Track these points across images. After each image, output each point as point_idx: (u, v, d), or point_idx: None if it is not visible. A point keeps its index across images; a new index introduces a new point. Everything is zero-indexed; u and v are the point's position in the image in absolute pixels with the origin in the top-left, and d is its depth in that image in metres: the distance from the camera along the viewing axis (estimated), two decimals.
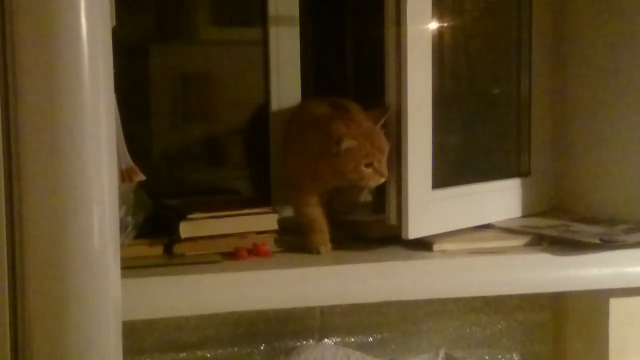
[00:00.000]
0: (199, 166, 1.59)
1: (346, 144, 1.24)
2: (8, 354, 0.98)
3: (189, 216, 1.25)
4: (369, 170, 1.25)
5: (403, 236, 1.29)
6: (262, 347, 1.51)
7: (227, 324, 1.48)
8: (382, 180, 1.28)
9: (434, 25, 1.33)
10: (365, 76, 1.62)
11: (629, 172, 1.44)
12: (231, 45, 1.58)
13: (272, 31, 1.53)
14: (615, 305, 1.42)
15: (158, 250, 1.26)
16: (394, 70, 1.28)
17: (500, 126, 1.59)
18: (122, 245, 1.07)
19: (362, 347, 1.52)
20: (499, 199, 1.48)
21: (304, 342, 1.52)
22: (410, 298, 1.36)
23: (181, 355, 1.47)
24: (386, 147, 1.27)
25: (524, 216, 1.52)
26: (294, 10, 1.53)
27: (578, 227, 1.41)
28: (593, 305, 1.47)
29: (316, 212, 1.32)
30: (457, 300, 1.58)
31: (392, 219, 1.30)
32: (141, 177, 1.17)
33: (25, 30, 0.93)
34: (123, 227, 1.17)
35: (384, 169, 1.26)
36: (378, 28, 1.30)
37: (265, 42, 1.54)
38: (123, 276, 1.01)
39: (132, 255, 1.21)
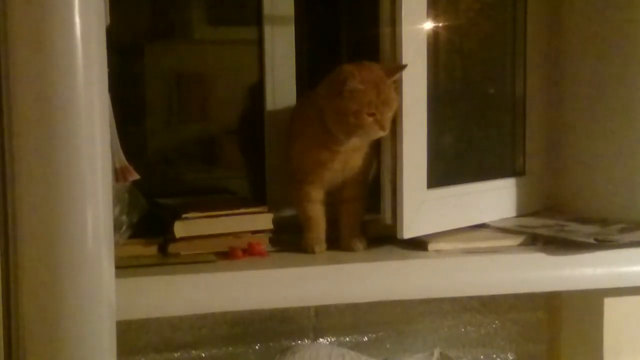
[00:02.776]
0: (194, 165, 1.58)
1: (351, 84, 1.21)
2: (2, 354, 0.97)
3: (184, 215, 1.25)
4: (369, 119, 1.22)
5: (398, 236, 1.29)
6: (256, 347, 1.51)
7: (222, 324, 1.48)
8: (382, 134, 1.24)
9: (429, 25, 1.33)
10: None
11: (624, 171, 1.44)
12: (226, 44, 1.58)
13: (267, 30, 1.53)
14: (610, 305, 1.42)
15: (152, 249, 1.26)
16: None
17: (495, 126, 1.59)
18: (117, 245, 1.07)
19: (356, 347, 1.52)
20: (494, 199, 1.48)
21: (299, 341, 1.52)
22: (405, 298, 1.36)
23: (176, 355, 1.47)
24: (394, 102, 1.24)
25: (518, 216, 1.52)
26: (289, 10, 1.53)
27: (572, 226, 1.41)
28: (587, 304, 1.48)
29: (315, 210, 1.31)
30: (452, 300, 1.58)
31: (387, 219, 1.30)
32: (135, 176, 1.17)
33: (19, 29, 0.93)
34: (117, 227, 1.16)
35: (386, 122, 1.23)
36: (373, 27, 1.30)
37: (260, 42, 1.53)
38: (117, 276, 1.01)
39: (126, 254, 1.21)
